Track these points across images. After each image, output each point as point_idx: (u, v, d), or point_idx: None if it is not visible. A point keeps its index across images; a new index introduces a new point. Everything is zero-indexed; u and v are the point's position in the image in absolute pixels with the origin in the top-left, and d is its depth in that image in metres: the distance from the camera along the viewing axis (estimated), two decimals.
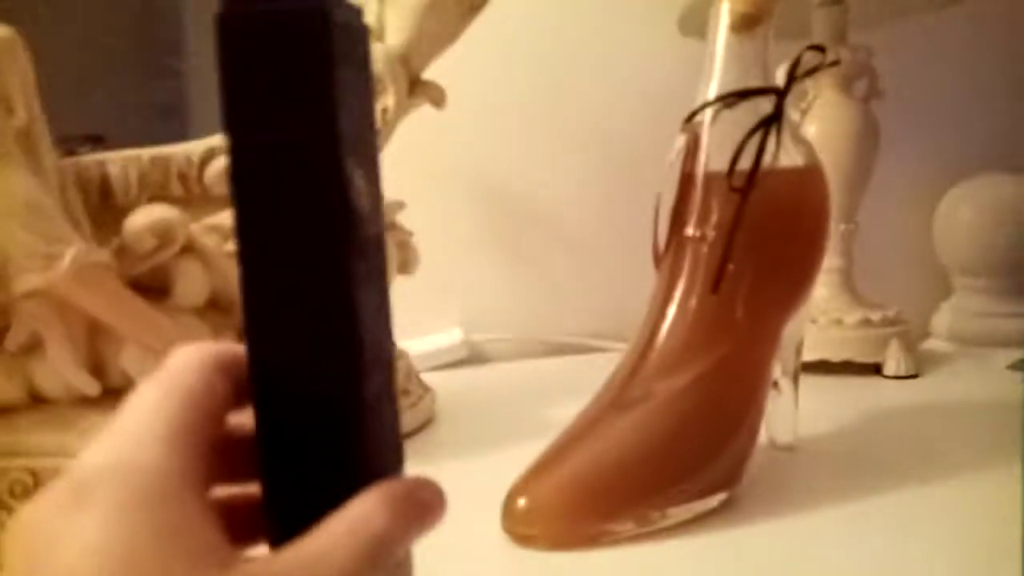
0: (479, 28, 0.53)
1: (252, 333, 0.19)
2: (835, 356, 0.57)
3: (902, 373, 0.57)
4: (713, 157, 0.39)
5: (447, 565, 0.33)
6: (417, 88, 0.53)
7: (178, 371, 0.19)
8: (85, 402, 0.38)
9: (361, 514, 0.18)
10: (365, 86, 0.21)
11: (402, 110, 0.52)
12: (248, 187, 0.19)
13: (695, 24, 0.58)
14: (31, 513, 0.17)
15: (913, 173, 0.71)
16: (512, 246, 0.69)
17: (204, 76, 0.64)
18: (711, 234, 0.39)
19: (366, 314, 0.20)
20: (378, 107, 0.52)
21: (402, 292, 0.50)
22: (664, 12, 0.63)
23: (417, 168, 0.51)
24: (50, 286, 0.36)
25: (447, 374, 0.62)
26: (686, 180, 0.40)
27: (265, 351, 0.19)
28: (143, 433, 0.18)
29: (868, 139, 0.58)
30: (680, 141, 0.41)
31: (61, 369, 0.37)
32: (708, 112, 0.40)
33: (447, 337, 0.65)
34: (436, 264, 0.51)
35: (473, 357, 0.66)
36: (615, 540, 0.35)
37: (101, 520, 0.16)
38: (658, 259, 0.41)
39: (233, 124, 0.19)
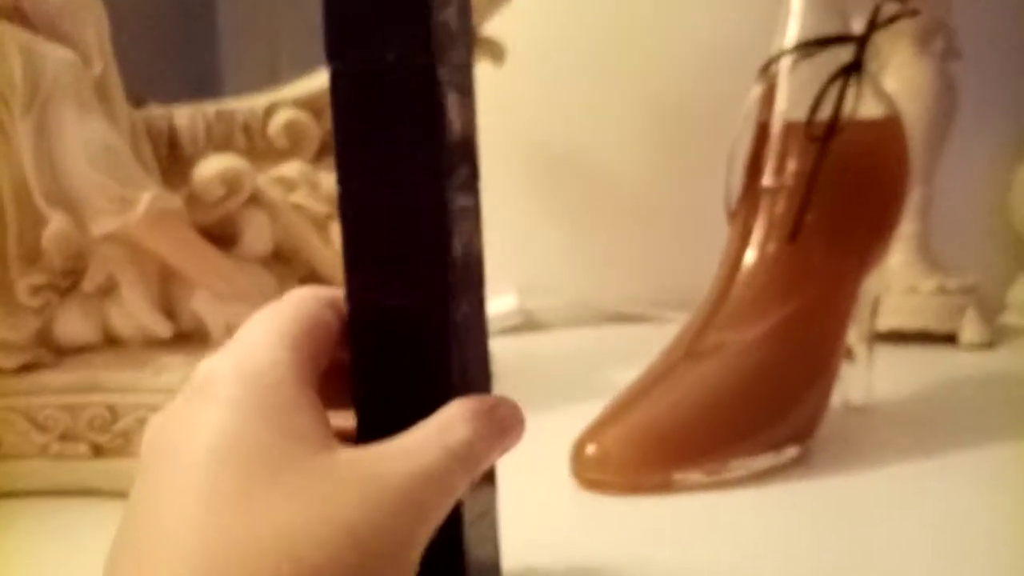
0: None
1: (348, 252, 0.20)
2: (909, 324, 0.55)
3: (977, 342, 0.55)
4: (790, 107, 0.38)
5: (517, 511, 0.33)
6: (477, 44, 0.53)
7: (292, 300, 0.21)
8: (158, 343, 0.38)
9: (447, 420, 0.19)
10: (463, 14, 0.21)
11: None
12: (347, 105, 0.20)
13: None
14: (161, 415, 0.19)
15: (992, 138, 0.69)
16: (568, 210, 0.68)
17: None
18: (788, 184, 0.38)
19: (458, 236, 0.21)
20: None
21: None
22: None
23: None
24: (126, 229, 0.37)
25: (500, 340, 0.62)
26: (762, 130, 0.39)
27: (359, 271, 0.20)
28: (257, 342, 0.19)
29: (944, 100, 0.56)
30: (756, 91, 0.40)
31: (135, 311, 0.37)
32: (785, 61, 0.39)
33: (501, 303, 0.65)
34: (489, 228, 0.51)
35: (527, 324, 0.66)
36: (683, 488, 0.35)
37: (219, 409, 0.18)
38: (731, 211, 0.40)
39: (333, 44, 0.19)
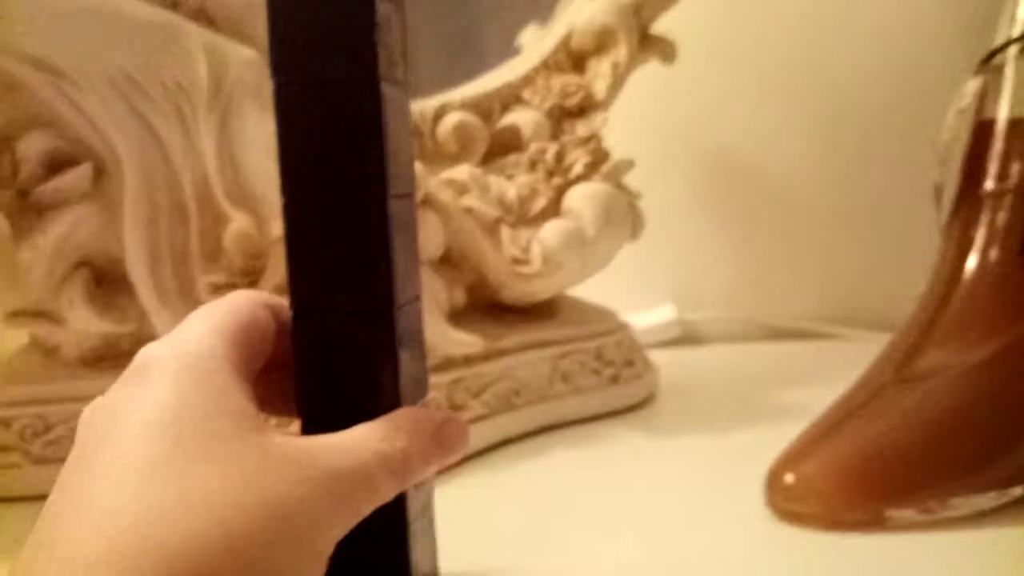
0: None
1: (291, 258, 0.21)
2: None
3: None
4: (1018, 102, 0.34)
5: (708, 539, 0.31)
6: (647, 42, 0.51)
7: (231, 300, 0.22)
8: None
9: (388, 427, 0.20)
10: (400, 22, 0.22)
11: (632, 64, 0.50)
12: (291, 123, 0.21)
13: None
14: (98, 399, 0.20)
15: None
16: (731, 221, 0.65)
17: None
18: (1017, 188, 0.33)
19: (399, 244, 0.22)
20: (608, 60, 0.49)
21: (611, 263, 0.48)
22: None
23: (633, 129, 0.48)
24: None
25: (657, 353, 0.59)
26: (983, 129, 0.35)
27: (303, 277, 0.21)
28: (195, 333, 0.20)
29: None
30: (973, 85, 0.36)
31: None
32: (1011, 51, 0.35)
33: (658, 314, 0.62)
34: (648, 234, 0.48)
35: (686, 337, 0.63)
36: (895, 527, 0.31)
37: (156, 388, 0.19)
38: (945, 218, 0.36)
39: (279, 65, 0.21)
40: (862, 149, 0.61)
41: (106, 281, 0.38)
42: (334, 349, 0.21)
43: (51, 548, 0.17)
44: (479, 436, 0.40)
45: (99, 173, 0.37)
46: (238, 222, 0.37)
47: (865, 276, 0.62)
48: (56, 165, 0.37)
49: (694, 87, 0.61)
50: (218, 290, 0.38)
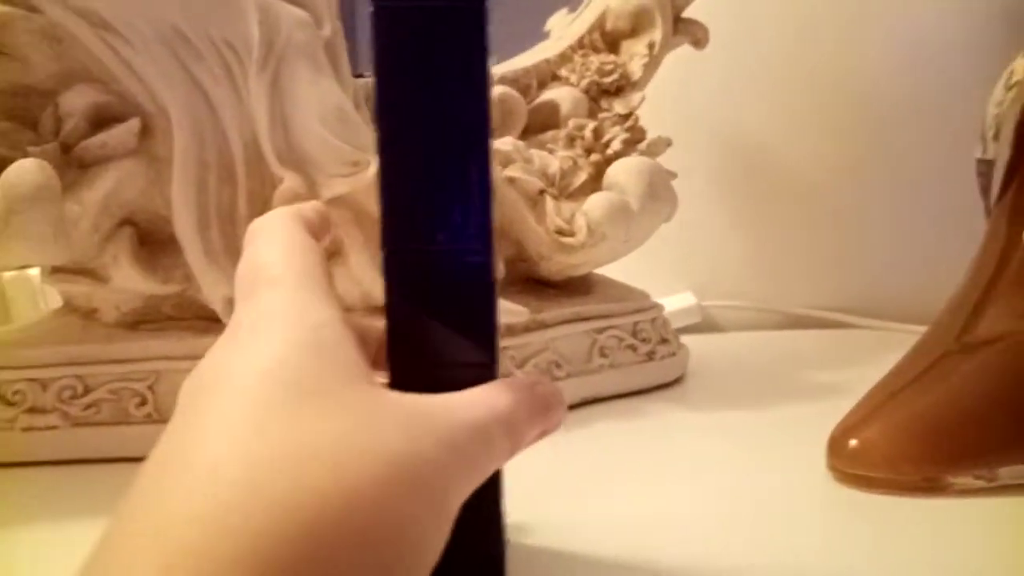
0: None
1: (386, 197, 0.21)
2: None
3: None
4: None
5: (768, 506, 0.31)
6: (681, 25, 0.51)
7: (285, 231, 0.22)
8: (377, 311, 0.37)
9: (491, 389, 0.20)
10: None
11: (667, 46, 0.50)
12: (390, 48, 0.20)
13: None
14: (201, 362, 0.19)
15: None
16: (750, 207, 0.65)
17: None
18: None
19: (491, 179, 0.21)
20: (643, 42, 0.49)
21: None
22: None
23: (655, 116, 0.48)
24: (355, 193, 0.36)
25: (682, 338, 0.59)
26: None
27: (399, 216, 0.21)
28: (293, 283, 0.20)
29: None
30: (1020, 63, 0.37)
31: (360, 276, 0.36)
32: None
33: (679, 300, 0.62)
34: (670, 226, 0.48)
35: (706, 324, 0.63)
36: (956, 492, 0.31)
37: (269, 341, 0.18)
38: (994, 193, 0.37)
39: None
40: (879, 141, 0.62)
41: (150, 241, 0.37)
42: (431, 286, 0.21)
43: (151, 506, 0.15)
44: None
45: (146, 130, 0.36)
46: (289, 182, 0.36)
47: (881, 267, 0.63)
48: (101, 121, 0.36)
49: (715, 76, 0.62)
50: None
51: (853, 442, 0.32)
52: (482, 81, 0.21)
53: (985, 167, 0.37)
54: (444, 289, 0.21)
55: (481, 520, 0.22)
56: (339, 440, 0.16)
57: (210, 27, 0.36)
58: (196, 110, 0.36)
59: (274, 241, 0.21)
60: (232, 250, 0.37)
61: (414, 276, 0.21)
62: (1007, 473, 0.31)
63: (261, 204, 0.37)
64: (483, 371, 0.21)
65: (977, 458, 0.31)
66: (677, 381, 0.48)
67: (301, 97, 0.37)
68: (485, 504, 0.21)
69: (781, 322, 0.63)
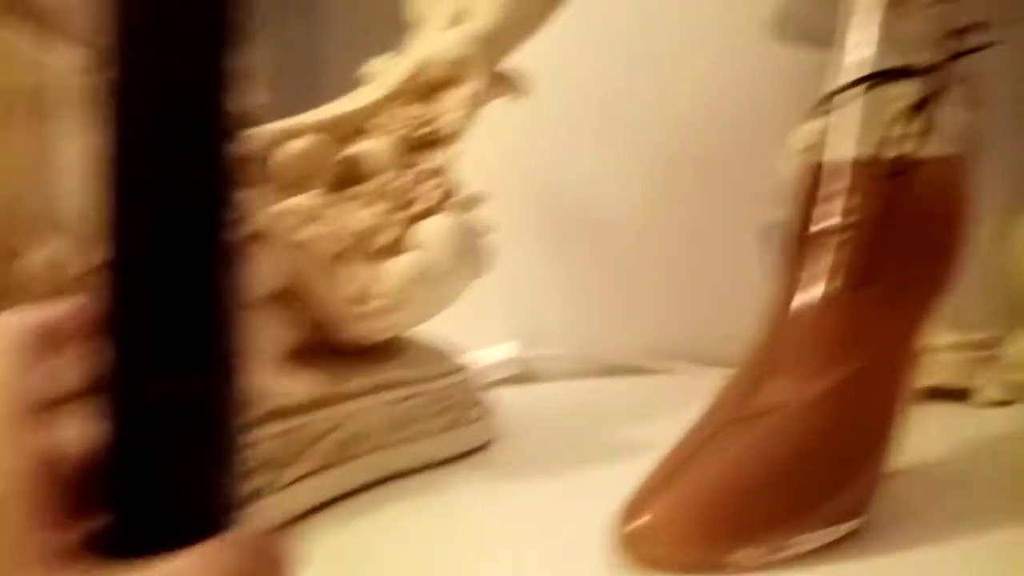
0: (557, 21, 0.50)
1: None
2: (925, 381, 0.53)
3: (996, 399, 0.54)
4: (847, 145, 0.36)
5: None
6: (499, 77, 0.50)
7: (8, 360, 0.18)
8: None
9: (207, 557, 0.17)
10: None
11: (485, 98, 0.49)
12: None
13: (792, 26, 0.55)
14: None
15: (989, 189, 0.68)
16: (570, 260, 0.66)
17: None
18: (847, 228, 0.35)
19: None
20: (461, 93, 0.48)
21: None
22: (745, 13, 0.60)
23: (477, 166, 0.48)
24: None
25: (498, 391, 0.58)
26: (815, 170, 0.37)
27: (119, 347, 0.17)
28: None
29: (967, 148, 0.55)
30: (806, 130, 0.38)
31: None
32: (842, 97, 0.37)
33: (500, 351, 0.61)
34: (491, 275, 0.48)
35: (527, 374, 0.62)
36: (740, 568, 0.31)
37: None
38: (775, 258, 0.38)
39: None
40: (694, 192, 0.63)
41: None
42: (150, 427, 0.18)
43: None
44: (312, 493, 0.37)
45: None
46: (43, 250, 0.32)
47: (696, 313, 0.65)
48: None
49: (534, 126, 0.62)
50: None
51: (633, 524, 0.31)
52: (214, 194, 0.18)
53: (765, 232, 0.38)
54: (167, 422, 0.18)
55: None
56: None
57: None
58: None
59: None
60: None
61: (135, 411, 0.18)
62: (791, 544, 0.32)
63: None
64: (213, 522, 0.18)
65: (759, 532, 0.32)
66: (486, 445, 0.46)
67: (62, 154, 0.33)
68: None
69: (602, 370, 0.64)
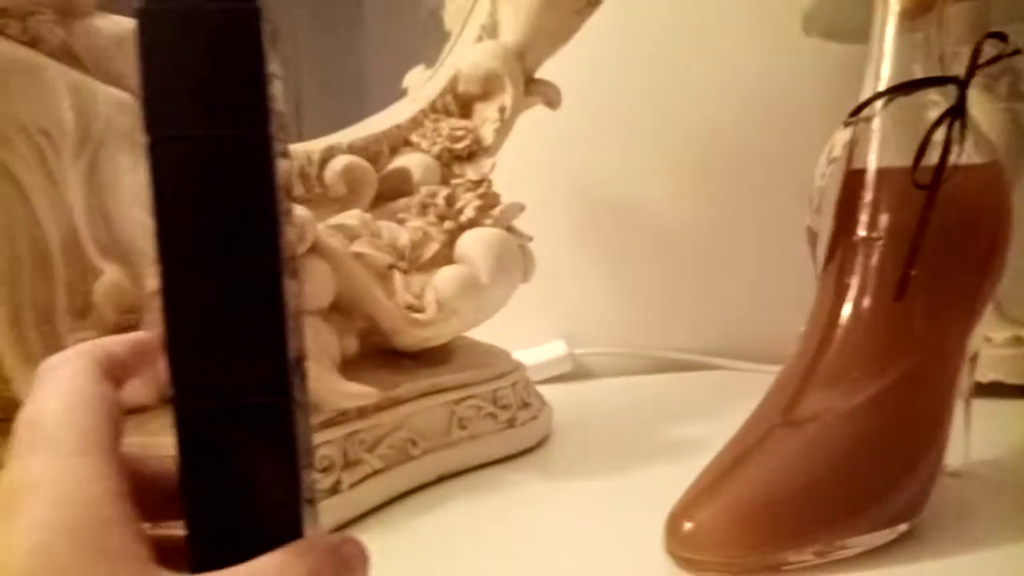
0: (586, 28, 0.51)
1: (172, 341, 0.19)
2: (981, 377, 0.53)
3: None
4: (886, 153, 0.36)
5: None
6: (532, 87, 0.51)
7: (73, 380, 0.19)
8: None
9: (286, 558, 0.19)
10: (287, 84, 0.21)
11: (519, 109, 0.50)
12: (173, 182, 0.19)
13: (820, 23, 0.55)
14: None
15: None
16: (619, 256, 0.66)
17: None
18: (888, 235, 0.35)
19: (291, 321, 0.19)
20: (495, 105, 0.49)
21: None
22: (782, 11, 0.60)
23: (519, 172, 0.49)
24: None
25: (549, 388, 0.59)
26: (853, 178, 0.37)
27: (187, 362, 0.19)
28: (69, 448, 0.18)
29: (1011, 142, 0.54)
30: (842, 136, 0.38)
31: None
32: (877, 105, 0.37)
33: (550, 350, 0.62)
34: (539, 273, 0.49)
35: (577, 372, 0.63)
36: (790, 571, 0.32)
37: (24, 529, 0.17)
38: (820, 264, 0.38)
39: (157, 119, 0.18)
40: (737, 189, 0.64)
41: None
42: (226, 444, 0.19)
43: None
44: (374, 493, 0.39)
45: None
46: (109, 275, 0.34)
47: (741, 309, 0.65)
48: None
49: (577, 132, 0.62)
50: None
51: (686, 526, 0.32)
52: (269, 211, 0.19)
53: (812, 236, 0.39)
54: (237, 434, 0.20)
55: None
56: None
57: (19, 113, 0.34)
58: (7, 203, 0.33)
59: (58, 392, 0.19)
60: (53, 348, 0.34)
61: (205, 423, 0.20)
62: (840, 547, 0.32)
63: (82, 298, 0.35)
64: (286, 527, 0.20)
65: (809, 535, 0.32)
66: (540, 444, 0.47)
67: (121, 184, 0.35)
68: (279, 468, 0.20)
69: (650, 366, 0.64)
